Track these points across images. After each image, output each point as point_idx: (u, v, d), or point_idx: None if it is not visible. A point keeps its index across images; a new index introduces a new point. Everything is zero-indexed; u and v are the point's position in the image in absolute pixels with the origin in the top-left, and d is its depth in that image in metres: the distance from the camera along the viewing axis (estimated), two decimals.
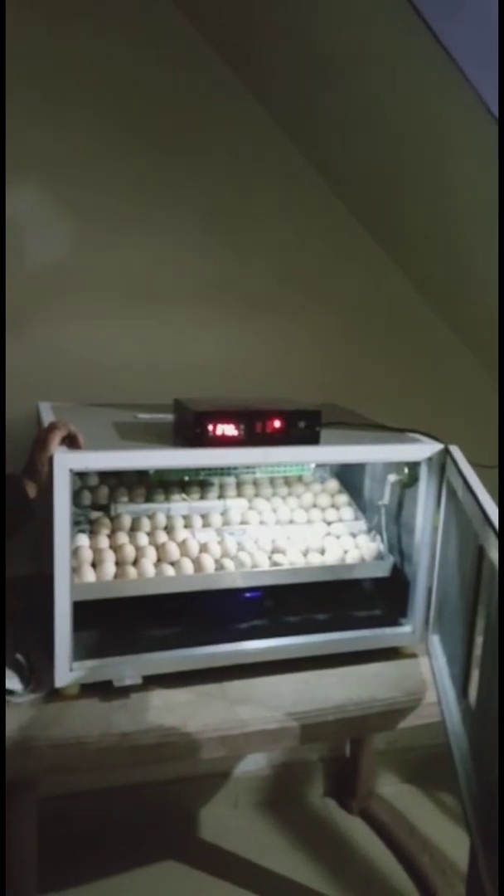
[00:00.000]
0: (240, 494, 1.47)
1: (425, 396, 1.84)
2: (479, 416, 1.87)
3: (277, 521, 1.43)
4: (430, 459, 1.28)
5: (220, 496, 1.45)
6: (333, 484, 1.53)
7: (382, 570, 1.38)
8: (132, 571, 1.24)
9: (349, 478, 1.56)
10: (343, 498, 1.51)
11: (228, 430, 1.18)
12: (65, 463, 1.08)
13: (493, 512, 0.95)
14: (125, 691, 1.18)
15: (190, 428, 1.18)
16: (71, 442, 1.13)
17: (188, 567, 1.27)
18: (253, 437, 1.20)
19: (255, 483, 1.50)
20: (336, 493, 1.52)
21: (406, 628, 1.35)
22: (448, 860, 1.75)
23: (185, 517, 1.38)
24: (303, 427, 1.22)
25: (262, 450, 1.20)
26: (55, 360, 1.60)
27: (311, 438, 1.23)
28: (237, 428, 1.18)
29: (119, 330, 1.66)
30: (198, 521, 1.38)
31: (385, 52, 1.23)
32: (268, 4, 1.36)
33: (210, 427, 1.17)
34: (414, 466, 1.32)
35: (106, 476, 1.42)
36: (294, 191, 1.74)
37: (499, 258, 1.36)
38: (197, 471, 1.42)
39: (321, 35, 1.31)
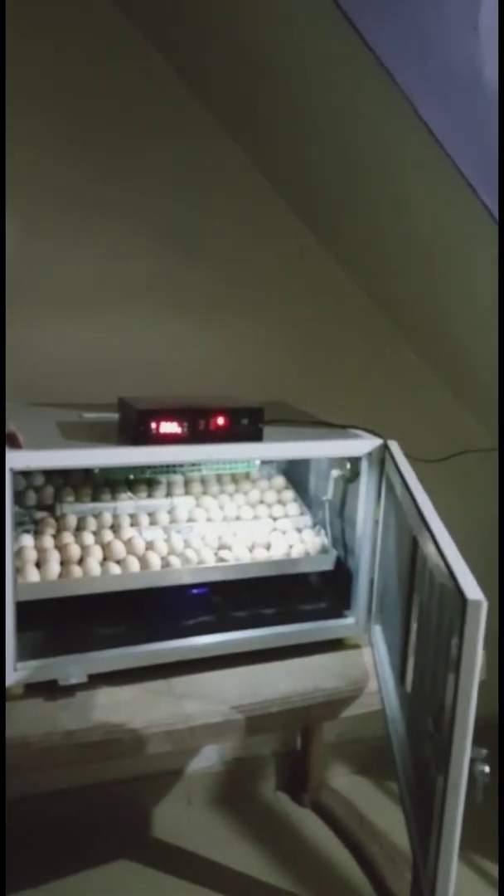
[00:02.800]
0: (187, 492, 1.48)
1: (375, 394, 1.88)
2: (427, 413, 1.93)
3: (224, 517, 1.44)
4: (369, 454, 1.30)
5: (168, 494, 1.46)
6: (280, 480, 1.56)
7: (326, 564, 1.41)
8: (77, 570, 1.24)
9: (295, 474, 1.58)
10: (289, 494, 1.53)
11: (171, 427, 1.19)
12: (5, 463, 1.08)
13: (424, 504, 0.98)
14: (71, 690, 1.18)
15: (133, 426, 1.18)
16: (11, 441, 1.12)
17: (134, 565, 1.28)
18: (197, 434, 1.21)
19: (203, 480, 1.51)
20: (282, 490, 1.54)
21: (349, 620, 1.38)
22: (397, 848, 1.79)
23: (132, 516, 1.39)
24: (246, 424, 1.24)
25: (205, 447, 1.21)
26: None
27: (255, 435, 1.25)
28: (180, 426, 1.19)
29: (68, 332, 1.66)
30: (145, 520, 1.38)
31: (320, 55, 1.26)
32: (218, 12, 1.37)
33: (153, 425, 1.18)
34: (355, 462, 1.35)
35: (52, 476, 1.42)
36: (241, 192, 1.76)
37: None
38: (143, 469, 1.43)
39: (261, 38, 1.34)
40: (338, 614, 1.40)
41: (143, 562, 1.28)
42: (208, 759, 1.98)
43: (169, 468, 1.44)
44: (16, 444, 1.12)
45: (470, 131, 1.15)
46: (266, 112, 1.58)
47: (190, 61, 1.61)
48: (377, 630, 1.34)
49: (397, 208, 1.52)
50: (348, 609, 1.39)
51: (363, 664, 1.33)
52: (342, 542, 1.43)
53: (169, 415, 1.19)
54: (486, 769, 0.76)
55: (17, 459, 1.10)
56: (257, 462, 1.50)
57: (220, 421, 1.22)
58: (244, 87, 1.55)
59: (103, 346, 1.69)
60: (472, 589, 0.70)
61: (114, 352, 1.70)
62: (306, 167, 1.66)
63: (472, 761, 0.76)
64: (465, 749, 0.71)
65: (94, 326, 1.69)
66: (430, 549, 0.94)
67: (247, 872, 1.77)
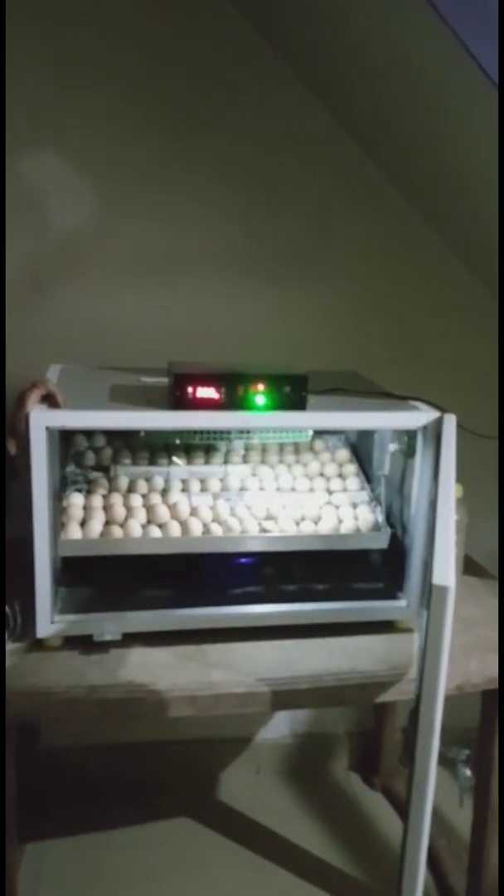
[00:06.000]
0: (246, 460, 1.46)
1: (458, 368, 1.76)
2: None
3: (278, 488, 1.41)
4: (425, 428, 1.22)
5: (226, 461, 1.45)
6: (343, 453, 1.49)
7: (379, 542, 1.34)
8: (117, 531, 1.26)
9: (363, 448, 1.51)
10: (351, 468, 1.46)
11: (208, 393, 1.17)
12: (41, 421, 1.11)
13: (444, 485, 0.90)
14: (105, 647, 1.21)
15: (171, 391, 1.18)
16: (50, 400, 1.15)
17: (175, 530, 1.28)
18: (234, 401, 1.18)
19: (264, 449, 1.48)
20: (345, 463, 1.47)
21: (401, 602, 1.31)
22: (465, 845, 1.70)
23: (184, 481, 1.39)
24: (288, 392, 1.19)
25: (242, 414, 1.18)
26: (77, 326, 1.63)
27: (298, 404, 1.20)
28: (218, 391, 1.17)
29: (142, 297, 1.68)
30: (196, 486, 1.38)
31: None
32: None
33: (189, 390, 1.16)
34: (413, 435, 1.26)
35: (112, 438, 1.45)
36: (324, 158, 1.68)
37: None
38: (198, 434, 1.42)
39: None
40: (390, 595, 1.33)
41: (185, 527, 1.28)
42: (278, 730, 1.97)
43: (223, 435, 1.42)
44: (54, 404, 1.15)
45: None
46: (349, 70, 1.49)
47: (275, 25, 1.54)
48: (426, 614, 1.26)
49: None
50: (401, 591, 1.32)
51: (411, 649, 1.26)
52: (400, 519, 1.35)
53: (205, 380, 1.17)
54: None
55: (53, 419, 1.13)
56: (309, 432, 1.45)
57: (260, 388, 1.18)
58: (328, 49, 1.47)
59: (177, 311, 1.69)
60: (441, 575, 0.63)
61: (186, 318, 1.69)
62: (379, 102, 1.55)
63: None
64: (431, 745, 0.65)
65: (170, 292, 1.69)
66: None
67: (306, 847, 1.75)
